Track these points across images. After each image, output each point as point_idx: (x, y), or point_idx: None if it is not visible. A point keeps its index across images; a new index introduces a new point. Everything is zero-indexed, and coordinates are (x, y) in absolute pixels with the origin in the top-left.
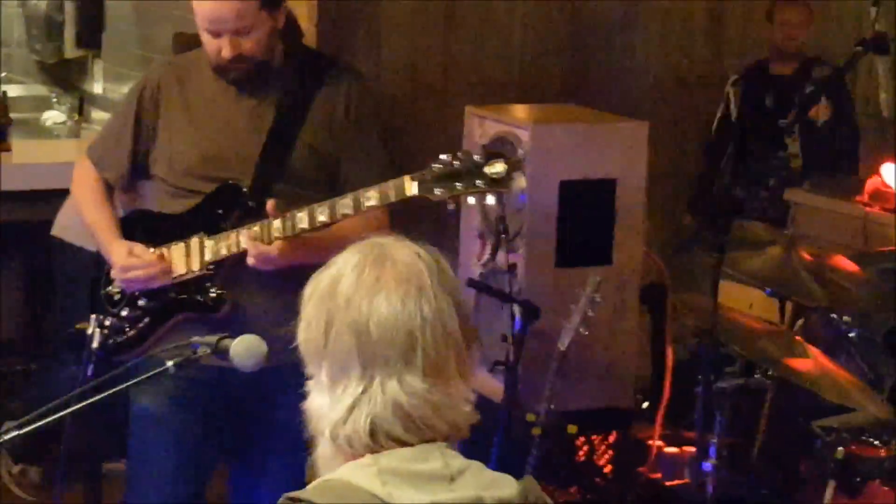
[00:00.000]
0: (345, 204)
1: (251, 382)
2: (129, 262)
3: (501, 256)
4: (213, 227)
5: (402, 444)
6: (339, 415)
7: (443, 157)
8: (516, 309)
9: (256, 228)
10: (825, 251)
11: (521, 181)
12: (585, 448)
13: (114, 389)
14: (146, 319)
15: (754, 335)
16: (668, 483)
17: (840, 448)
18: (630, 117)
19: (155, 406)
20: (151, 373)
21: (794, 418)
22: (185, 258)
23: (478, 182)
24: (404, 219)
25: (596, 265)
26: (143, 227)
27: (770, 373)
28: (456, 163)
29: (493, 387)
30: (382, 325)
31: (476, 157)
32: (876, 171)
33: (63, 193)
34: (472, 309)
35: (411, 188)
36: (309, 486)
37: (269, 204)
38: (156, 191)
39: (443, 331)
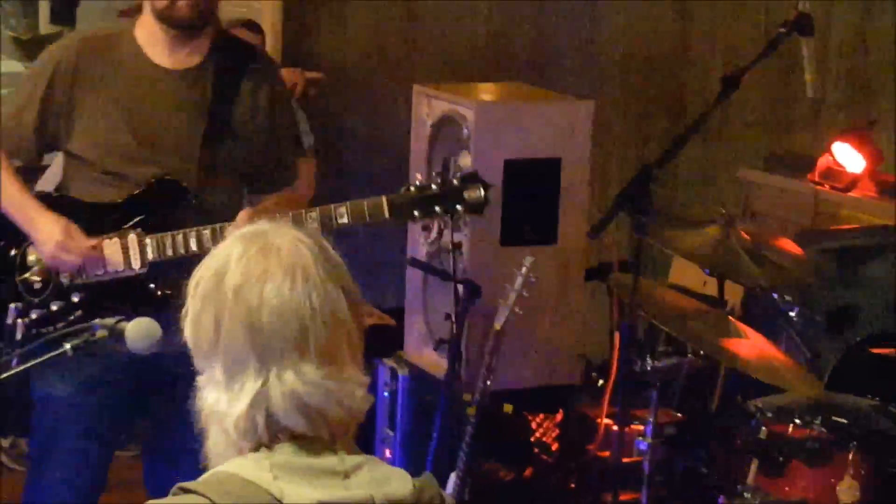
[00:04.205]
0: (312, 217)
1: (163, 367)
2: (68, 243)
3: (448, 235)
4: (151, 225)
5: (297, 436)
6: (238, 410)
7: (419, 179)
8: (459, 288)
9: (208, 233)
10: (765, 231)
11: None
12: (529, 426)
13: (12, 371)
14: (78, 313)
15: (686, 316)
16: (612, 461)
17: (763, 427)
18: (594, 95)
19: (63, 389)
20: (49, 355)
21: (738, 397)
22: (122, 254)
23: (457, 206)
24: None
25: (541, 244)
26: (66, 214)
27: (702, 353)
28: (434, 186)
29: (439, 364)
30: (273, 315)
31: (454, 182)
32: (828, 150)
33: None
34: (419, 287)
35: (388, 211)
36: (200, 478)
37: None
38: (76, 173)
39: (332, 317)
